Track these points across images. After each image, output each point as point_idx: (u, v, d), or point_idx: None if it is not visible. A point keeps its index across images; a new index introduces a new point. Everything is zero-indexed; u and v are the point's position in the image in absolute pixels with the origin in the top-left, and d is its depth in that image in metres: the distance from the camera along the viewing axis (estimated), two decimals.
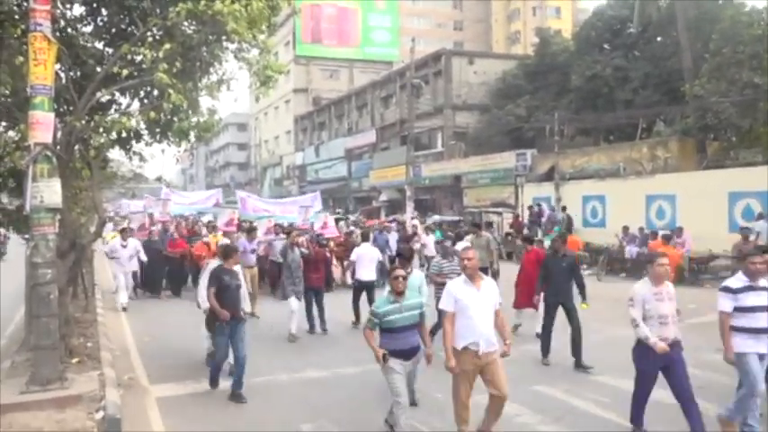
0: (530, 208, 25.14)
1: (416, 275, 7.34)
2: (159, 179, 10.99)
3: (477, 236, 12.20)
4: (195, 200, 24.00)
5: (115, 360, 8.29)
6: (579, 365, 7.98)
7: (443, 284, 7.45)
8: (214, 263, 7.79)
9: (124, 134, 7.55)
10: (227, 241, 13.64)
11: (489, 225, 23.18)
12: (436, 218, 26.97)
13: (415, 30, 60.56)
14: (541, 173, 27.06)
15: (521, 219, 24.52)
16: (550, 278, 8.48)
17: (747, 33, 21.36)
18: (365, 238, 12.56)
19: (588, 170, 25.11)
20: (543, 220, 23.29)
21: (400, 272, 5.42)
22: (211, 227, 16.60)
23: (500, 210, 26.31)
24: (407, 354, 5.33)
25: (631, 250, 17.56)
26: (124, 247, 13.21)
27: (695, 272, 16.22)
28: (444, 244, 10.14)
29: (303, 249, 10.46)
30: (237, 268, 7.29)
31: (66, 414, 6.01)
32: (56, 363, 6.54)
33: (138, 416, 6.36)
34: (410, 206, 29.82)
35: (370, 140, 42.59)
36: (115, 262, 13.27)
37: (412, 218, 24.40)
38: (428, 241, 17.68)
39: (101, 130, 6.94)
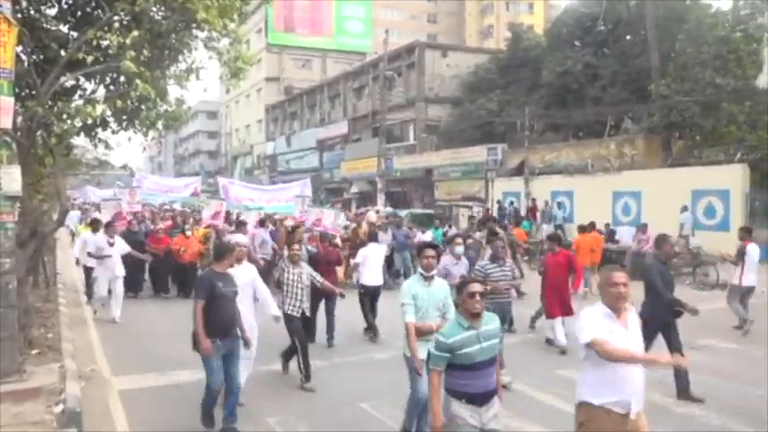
0: (498, 202, 25.39)
1: (440, 285, 5.36)
2: (125, 167, 10.74)
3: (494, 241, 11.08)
4: (171, 187, 22.82)
5: (77, 351, 8.13)
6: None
7: (493, 298, 6.98)
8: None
9: (89, 121, 7.37)
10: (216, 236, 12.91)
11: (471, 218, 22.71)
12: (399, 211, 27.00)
13: (389, 21, 60.31)
14: (512, 167, 27.33)
15: (491, 212, 24.76)
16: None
17: (711, 35, 21.85)
18: (373, 237, 10.84)
19: (557, 166, 25.46)
20: (538, 214, 23.16)
21: (477, 287, 3.99)
22: (194, 220, 15.24)
23: (470, 203, 26.50)
24: (483, 398, 3.95)
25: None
26: (111, 245, 10.69)
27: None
28: (496, 242, 8.34)
29: (310, 247, 9.31)
30: (236, 271, 5.96)
31: (24, 407, 5.87)
32: (14, 355, 6.38)
33: (99, 409, 6.25)
34: (381, 198, 29.88)
35: (342, 131, 42.40)
36: (98, 264, 10.66)
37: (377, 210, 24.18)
38: (425, 239, 15.58)
39: (64, 116, 6.76)
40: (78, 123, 7.11)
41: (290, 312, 6.99)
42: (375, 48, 50.33)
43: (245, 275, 6.21)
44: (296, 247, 7.25)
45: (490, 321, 4.06)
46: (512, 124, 28.28)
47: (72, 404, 5.90)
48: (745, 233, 10.29)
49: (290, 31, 54.37)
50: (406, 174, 33.61)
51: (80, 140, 8.87)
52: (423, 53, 35.59)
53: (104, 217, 13.28)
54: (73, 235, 19.07)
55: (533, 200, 24.07)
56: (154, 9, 6.65)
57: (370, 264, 9.62)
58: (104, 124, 7.82)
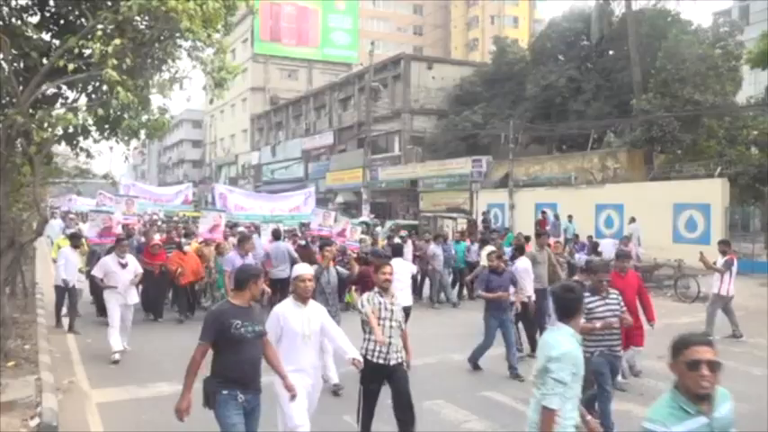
0: (484, 214, 25.50)
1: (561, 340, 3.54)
2: (106, 176, 10.57)
3: (542, 249, 10.02)
4: (159, 195, 21.47)
5: (55, 363, 7.99)
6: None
7: (602, 343, 5.84)
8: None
9: (71, 130, 7.28)
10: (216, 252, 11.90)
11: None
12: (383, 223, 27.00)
13: (375, 33, 60.69)
14: (496, 179, 27.51)
15: (476, 225, 24.85)
16: None
17: (691, 51, 22.26)
18: (397, 251, 9.40)
19: (541, 178, 25.69)
20: (548, 228, 20.57)
21: (704, 352, 2.62)
22: (186, 232, 13.68)
23: (455, 215, 26.60)
24: None
25: (580, 258, 17.99)
26: (123, 266, 8.80)
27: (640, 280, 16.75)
28: (591, 262, 7.06)
29: (340, 269, 8.06)
30: (303, 313, 4.79)
31: None
32: None
33: (77, 422, 6.13)
34: (366, 209, 29.89)
35: (327, 142, 42.40)
36: (107, 291, 8.86)
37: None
38: (437, 252, 13.88)
39: (45, 124, 6.67)
40: (59, 132, 7.02)
41: (375, 360, 5.27)
42: (361, 59, 50.50)
43: (313, 320, 4.81)
44: (387, 270, 5.55)
45: (723, 401, 2.74)
46: (496, 136, 28.49)
47: (48, 418, 5.78)
48: (727, 246, 10.52)
49: (277, 41, 54.44)
50: (391, 185, 33.66)
51: (61, 149, 8.77)
52: (408, 65, 35.80)
53: (91, 230, 11.66)
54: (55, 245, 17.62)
55: (543, 212, 22.46)
56: (137, 18, 6.60)
57: (398, 282, 8.08)
58: (86, 133, 7.72)
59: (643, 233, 18.44)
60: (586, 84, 27.82)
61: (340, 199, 38.13)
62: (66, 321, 10.42)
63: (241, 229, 14.21)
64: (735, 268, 10.23)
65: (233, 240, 12.40)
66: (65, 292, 10.19)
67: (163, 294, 11.87)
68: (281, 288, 10.88)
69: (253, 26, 52.97)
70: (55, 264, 11.27)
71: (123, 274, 8.76)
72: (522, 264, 9.31)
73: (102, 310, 10.41)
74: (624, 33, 25.69)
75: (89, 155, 8.25)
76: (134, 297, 9.07)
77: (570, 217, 21.39)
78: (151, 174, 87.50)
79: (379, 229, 21.38)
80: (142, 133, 7.48)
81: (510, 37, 44.57)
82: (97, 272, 8.87)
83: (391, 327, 5.35)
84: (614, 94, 26.98)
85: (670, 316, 11.45)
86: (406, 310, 7.82)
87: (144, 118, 7.11)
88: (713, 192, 18.55)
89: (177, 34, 6.69)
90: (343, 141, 41.10)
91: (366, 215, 28.12)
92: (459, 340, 9.72)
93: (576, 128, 27.24)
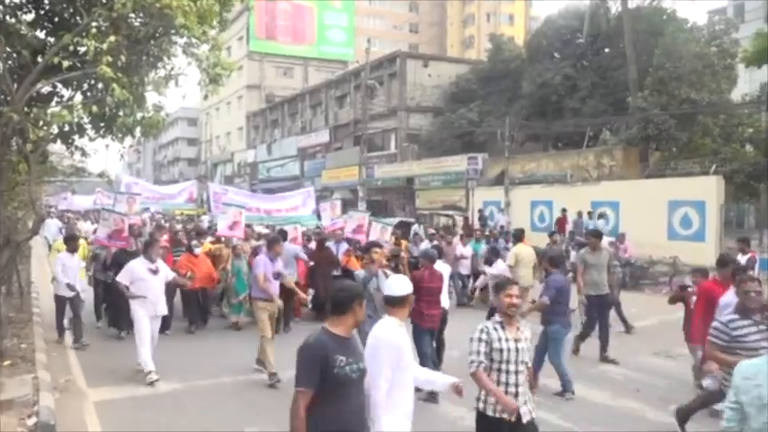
0: (480, 211, 25.52)
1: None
2: (102, 174, 10.50)
3: (595, 250, 8.91)
4: (163, 194, 20.34)
5: (51, 362, 7.97)
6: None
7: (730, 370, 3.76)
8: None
9: (66, 128, 7.25)
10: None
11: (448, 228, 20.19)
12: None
13: (371, 30, 60.67)
14: (492, 177, 27.53)
15: (471, 222, 24.87)
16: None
17: (686, 49, 22.31)
18: (436, 255, 7.87)
19: (537, 176, 25.71)
20: (568, 227, 20.35)
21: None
22: (196, 232, 12.16)
23: (451, 212, 26.63)
24: None
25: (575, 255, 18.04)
26: (154, 272, 7.74)
27: (636, 277, 16.82)
28: (746, 283, 4.79)
29: (388, 272, 6.83)
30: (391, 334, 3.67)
31: None
32: None
33: (74, 421, 6.12)
34: (362, 207, 29.87)
35: (323, 140, 42.34)
36: (135, 302, 7.67)
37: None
38: (464, 252, 13.09)
39: (40, 123, 6.65)
40: (54, 130, 7.00)
41: (498, 416, 3.99)
42: (357, 57, 50.45)
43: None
44: (513, 290, 4.18)
45: None
46: (492, 134, 28.50)
47: (45, 416, 5.77)
48: (746, 244, 10.92)
49: (272, 38, 54.32)
50: (387, 182, 33.64)
51: (56, 147, 8.73)
52: (404, 63, 35.76)
53: (102, 230, 10.44)
54: (50, 246, 14.91)
55: (564, 210, 21.27)
56: (132, 15, 6.58)
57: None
58: (81, 131, 7.71)
59: (643, 231, 18.43)
60: (582, 81, 27.84)
61: (336, 197, 38.07)
62: (68, 334, 9.50)
63: (260, 229, 13.27)
64: (758, 266, 10.32)
65: (254, 243, 11.66)
66: (66, 303, 9.16)
67: (169, 304, 9.98)
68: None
69: (248, 23, 52.84)
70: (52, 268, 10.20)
71: (154, 281, 7.68)
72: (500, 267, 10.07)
73: (115, 320, 9.82)
74: (620, 31, 25.72)
75: (84, 153, 8.21)
76: (164, 307, 7.99)
77: (601, 215, 20.12)
78: (146, 172, 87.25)
79: (416, 227, 19.15)
80: (137, 131, 7.46)
81: (506, 34, 44.54)
82: (123, 278, 7.69)
83: (518, 373, 4.02)
84: (610, 92, 27.01)
85: (665, 312, 11.46)
86: (444, 314, 7.65)
87: (139, 115, 7.09)
88: (708, 189, 18.60)
89: (172, 31, 6.67)
90: (339, 139, 41.05)
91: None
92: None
93: (571, 125, 27.27)
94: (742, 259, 10.17)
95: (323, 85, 44.89)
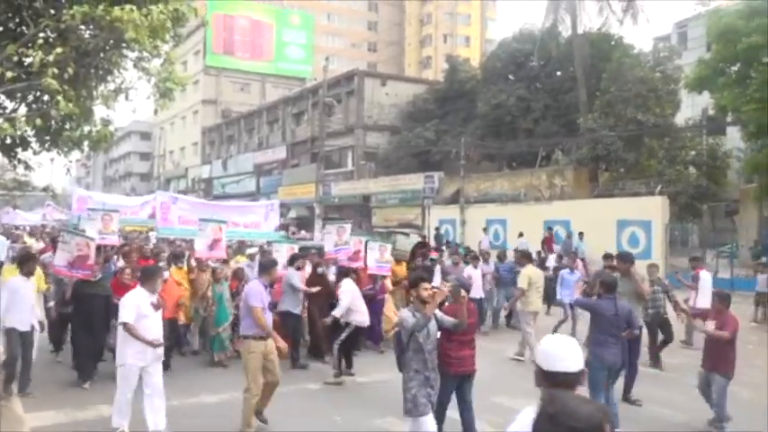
0: (436, 229, 25.72)
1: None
2: (46, 189, 10.06)
3: (625, 277, 7.94)
4: (123, 207, 17.58)
5: None
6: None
7: None
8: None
9: (8, 141, 7.00)
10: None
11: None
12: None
13: (330, 48, 60.87)
14: (448, 195, 27.84)
15: (427, 240, 24.98)
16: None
17: (632, 74, 23.23)
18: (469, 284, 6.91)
19: (491, 194, 26.16)
20: (556, 247, 19.71)
21: None
22: (173, 255, 10.31)
23: (407, 230, 26.74)
24: None
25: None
26: (156, 308, 6.25)
27: (587, 294, 17.15)
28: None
29: (443, 315, 5.43)
30: None
31: None
32: None
33: None
34: (319, 224, 29.69)
35: (280, 156, 42.07)
36: (124, 339, 6.09)
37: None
38: (473, 275, 11.37)
39: None
40: None
41: None
42: (315, 74, 50.54)
43: None
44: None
45: None
46: (448, 153, 28.90)
47: None
48: (697, 261, 11.29)
49: (230, 53, 53.89)
50: (344, 200, 33.61)
51: None
52: (362, 81, 36.00)
53: (61, 257, 8.20)
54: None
55: (549, 229, 20.86)
56: (82, 27, 6.44)
57: None
58: (24, 144, 7.47)
59: (592, 250, 18.86)
60: (535, 103, 28.58)
61: (293, 214, 37.78)
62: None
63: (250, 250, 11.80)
64: (706, 282, 10.62)
65: (233, 264, 10.51)
66: (19, 340, 7.13)
67: None
68: (292, 327, 9.18)
69: (205, 38, 52.34)
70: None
71: (156, 319, 6.15)
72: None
73: (80, 365, 7.98)
74: (571, 55, 26.58)
75: (28, 167, 7.95)
76: (161, 350, 6.23)
77: (581, 234, 19.99)
78: (96, 187, 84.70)
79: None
80: (85, 145, 7.26)
81: (462, 56, 45.49)
82: (128, 316, 5.95)
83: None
84: (562, 114, 27.80)
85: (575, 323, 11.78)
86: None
87: (86, 129, 6.90)
88: (654, 209, 19.28)
89: (123, 44, 6.55)
90: (296, 156, 40.87)
91: (319, 230, 27.95)
92: None
93: (525, 146, 27.91)
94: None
95: (280, 101, 44.73)
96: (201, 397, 7.58)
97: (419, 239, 19.18)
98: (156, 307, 6.20)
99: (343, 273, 9.40)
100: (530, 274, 9.76)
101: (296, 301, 9.19)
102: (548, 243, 20.22)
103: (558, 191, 24.20)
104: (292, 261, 9.46)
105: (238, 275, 9.67)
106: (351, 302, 8.42)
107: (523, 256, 10.56)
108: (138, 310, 6.02)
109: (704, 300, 10.33)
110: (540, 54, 28.06)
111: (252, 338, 6.23)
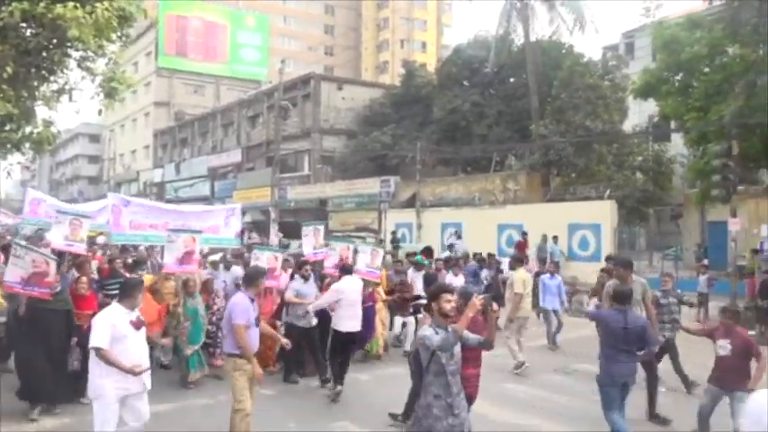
0: (393, 233, 25.79)
1: None
2: None
3: (624, 282, 7.07)
4: (80, 212, 16.09)
5: None
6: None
7: None
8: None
9: None
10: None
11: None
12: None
13: (286, 51, 60.54)
14: (404, 199, 27.99)
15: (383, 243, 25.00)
16: None
17: (582, 82, 23.88)
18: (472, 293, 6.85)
19: (447, 199, 26.42)
20: (531, 252, 19.06)
21: None
22: (133, 262, 9.65)
23: (364, 234, 26.75)
24: None
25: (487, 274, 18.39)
26: (137, 327, 5.28)
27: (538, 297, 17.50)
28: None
29: (467, 333, 4.61)
30: None
31: None
32: None
33: None
34: (274, 228, 29.39)
35: (235, 160, 41.49)
36: (103, 374, 5.07)
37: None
38: (455, 284, 9.96)
39: None
40: None
41: None
42: (271, 77, 50.09)
43: None
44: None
45: None
46: (404, 157, 29.06)
47: None
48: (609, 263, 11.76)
49: (182, 55, 52.87)
50: (300, 204, 33.38)
51: None
52: (319, 85, 35.88)
53: (13, 272, 7.08)
54: None
55: (524, 233, 20.22)
56: (23, 24, 6.20)
57: None
58: None
59: (465, 248, 19.12)
60: (489, 109, 29.02)
61: (248, 218, 37.27)
62: None
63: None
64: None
65: (206, 274, 9.76)
66: None
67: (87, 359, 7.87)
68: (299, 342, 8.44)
69: (157, 39, 51.23)
70: None
71: (137, 339, 5.22)
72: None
73: (29, 392, 6.89)
74: (524, 62, 27.12)
75: None
76: (148, 377, 5.31)
77: (555, 238, 19.84)
78: (42, 190, 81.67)
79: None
80: (26, 147, 6.98)
81: (418, 61, 45.83)
82: (101, 339, 4.97)
83: None
84: (515, 120, 28.32)
85: (566, 331, 12.03)
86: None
87: (27, 130, 6.63)
88: (603, 213, 19.82)
89: (67, 43, 6.34)
90: (251, 159, 40.38)
91: (274, 234, 27.66)
92: None
93: (479, 151, 28.32)
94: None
95: (235, 104, 44.15)
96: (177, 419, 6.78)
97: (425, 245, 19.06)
98: (137, 325, 5.24)
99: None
100: (524, 278, 9.52)
101: (301, 313, 8.44)
102: (521, 248, 19.29)
103: (511, 195, 24.62)
104: (300, 267, 8.89)
105: (208, 288, 8.95)
106: (336, 305, 7.86)
107: (515, 260, 10.23)
108: (115, 330, 5.02)
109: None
110: (494, 60, 28.53)
111: (238, 357, 5.69)
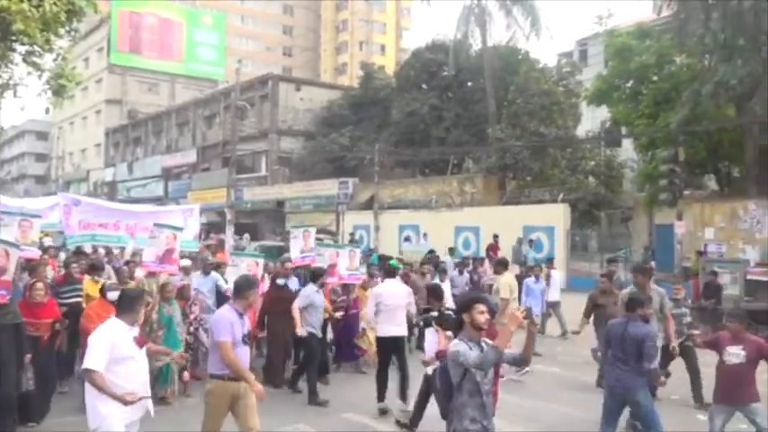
0: (351, 235, 25.76)
1: None
2: None
3: (642, 290, 6.80)
4: (30, 209, 14.55)
5: None
6: None
7: None
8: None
9: None
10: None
11: None
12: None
13: (243, 51, 59.80)
14: (362, 201, 28.00)
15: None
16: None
17: (537, 87, 24.40)
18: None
19: (405, 201, 26.58)
20: (500, 254, 17.01)
21: None
22: (89, 266, 8.67)
23: (321, 236, 26.60)
24: None
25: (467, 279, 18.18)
26: (141, 345, 4.68)
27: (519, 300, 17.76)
28: None
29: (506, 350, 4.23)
30: None
31: None
32: None
33: None
34: (230, 230, 28.95)
35: (190, 160, 40.72)
36: (107, 399, 4.27)
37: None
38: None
39: None
40: None
41: None
42: (228, 76, 49.34)
43: None
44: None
45: None
46: (362, 159, 29.09)
47: None
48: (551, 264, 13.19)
49: (136, 52, 51.56)
50: (257, 205, 33.00)
51: None
52: (276, 85, 35.57)
53: None
54: None
55: (495, 236, 19.74)
56: None
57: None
58: None
59: (501, 255, 19.45)
60: (447, 112, 29.31)
61: (203, 219, 36.58)
62: None
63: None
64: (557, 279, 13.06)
65: (176, 280, 8.50)
66: None
67: (53, 380, 6.93)
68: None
69: (109, 35, 49.85)
70: None
71: (141, 359, 4.58)
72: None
73: None
74: (481, 67, 27.51)
75: None
76: (150, 402, 4.67)
77: (531, 242, 19.74)
78: None
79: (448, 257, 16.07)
80: None
81: (377, 63, 45.93)
82: (97, 359, 4.25)
83: None
84: (472, 123, 28.67)
85: (522, 331, 12.17)
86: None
87: None
88: (557, 216, 20.28)
89: (11, 37, 6.09)
90: (207, 160, 39.71)
91: (230, 236, 27.24)
92: None
93: (437, 153, 28.57)
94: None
95: (191, 103, 43.37)
96: None
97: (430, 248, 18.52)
98: (141, 343, 4.62)
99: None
100: (510, 283, 9.13)
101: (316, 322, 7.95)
102: (493, 250, 18.88)
103: (468, 198, 24.93)
104: (316, 278, 8.13)
105: (184, 294, 8.09)
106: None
107: (500, 264, 9.79)
108: (115, 350, 4.32)
109: (555, 294, 12.60)
110: (452, 64, 28.84)
111: (217, 378, 4.89)
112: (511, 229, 20.36)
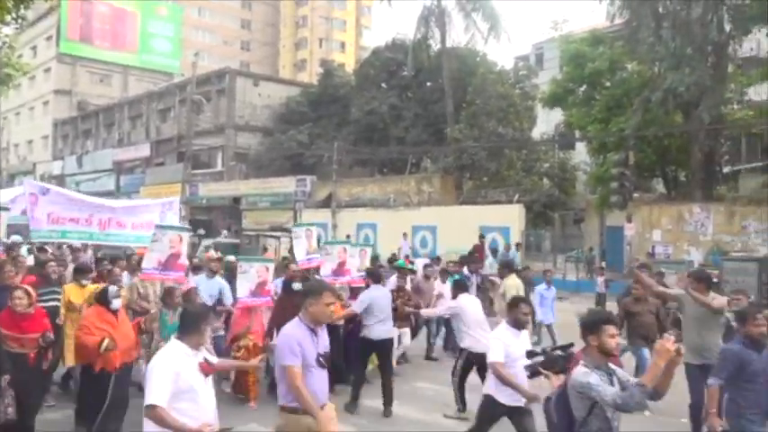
0: (348, 236, 25.34)
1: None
2: None
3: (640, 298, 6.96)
4: None
5: None
6: None
7: None
8: None
9: None
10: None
11: (265, 250, 22.34)
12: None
13: (200, 44, 58.57)
14: (320, 199, 27.85)
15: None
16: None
17: (494, 89, 24.77)
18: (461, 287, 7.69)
19: (363, 199, 26.56)
20: (489, 260, 18.01)
21: None
22: (75, 269, 7.94)
23: (278, 234, 26.35)
24: None
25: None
26: (206, 374, 3.99)
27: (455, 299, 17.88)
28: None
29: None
30: None
31: None
32: None
33: None
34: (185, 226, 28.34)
35: (143, 154, 39.70)
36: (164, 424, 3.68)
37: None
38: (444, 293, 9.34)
39: None
40: None
41: None
42: (183, 69, 48.26)
43: None
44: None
45: None
46: (321, 157, 28.93)
47: None
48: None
49: (87, 41, 49.89)
50: (212, 201, 32.42)
51: None
52: (234, 80, 35.03)
53: None
54: None
55: (481, 236, 19.48)
56: None
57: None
58: None
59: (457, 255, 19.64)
60: (406, 112, 29.43)
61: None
62: None
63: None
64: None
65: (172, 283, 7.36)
66: None
67: (35, 409, 5.77)
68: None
69: (59, 23, 48.09)
70: None
71: (206, 390, 3.92)
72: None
73: None
74: (440, 67, 27.72)
75: None
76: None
77: (519, 245, 19.49)
78: None
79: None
80: None
81: (337, 61, 45.76)
82: (160, 393, 3.63)
83: None
84: (431, 123, 28.87)
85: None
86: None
87: None
88: (512, 216, 20.62)
89: None
90: (161, 154, 38.79)
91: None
92: None
93: (395, 152, 28.67)
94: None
95: (144, 96, 42.30)
96: None
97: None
98: (207, 371, 3.93)
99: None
100: (516, 286, 8.74)
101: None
102: (479, 251, 18.27)
103: (425, 197, 25.10)
104: (378, 279, 7.66)
105: (190, 300, 6.99)
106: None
107: (504, 267, 9.35)
108: (180, 381, 3.70)
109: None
110: (412, 64, 28.98)
111: (289, 412, 3.99)
112: (467, 228, 20.58)
